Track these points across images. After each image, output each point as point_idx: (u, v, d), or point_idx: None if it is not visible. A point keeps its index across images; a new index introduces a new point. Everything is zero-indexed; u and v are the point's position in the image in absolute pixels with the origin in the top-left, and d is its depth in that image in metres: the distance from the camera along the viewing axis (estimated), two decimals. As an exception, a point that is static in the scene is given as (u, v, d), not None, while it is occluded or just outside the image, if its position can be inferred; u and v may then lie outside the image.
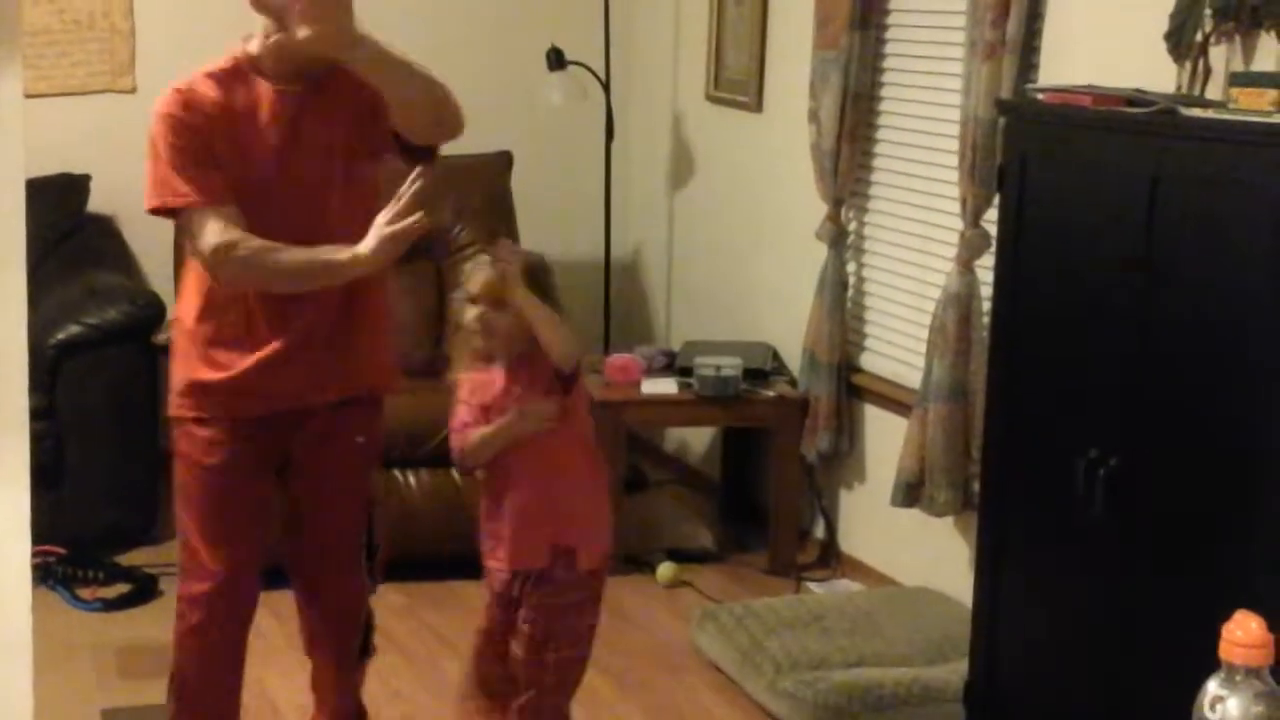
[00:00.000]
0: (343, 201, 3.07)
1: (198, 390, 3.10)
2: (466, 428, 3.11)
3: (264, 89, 3.01)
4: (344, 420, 3.17)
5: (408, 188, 3.02)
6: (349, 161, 3.07)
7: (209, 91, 3.02)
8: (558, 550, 3.09)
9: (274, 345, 3.06)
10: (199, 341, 3.09)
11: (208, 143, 3.00)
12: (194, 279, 3.11)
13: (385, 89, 2.96)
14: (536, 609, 3.10)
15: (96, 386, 4.73)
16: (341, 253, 3.00)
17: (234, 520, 3.13)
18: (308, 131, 3.02)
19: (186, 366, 3.12)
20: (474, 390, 3.13)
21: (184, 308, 3.14)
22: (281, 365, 3.07)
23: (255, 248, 2.97)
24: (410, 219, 2.98)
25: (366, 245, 2.99)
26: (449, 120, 3.10)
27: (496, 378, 3.12)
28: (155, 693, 3.89)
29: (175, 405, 3.15)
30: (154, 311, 4.86)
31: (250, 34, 3.01)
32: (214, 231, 2.96)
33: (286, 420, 3.12)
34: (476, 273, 3.11)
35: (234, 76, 3.03)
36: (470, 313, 3.09)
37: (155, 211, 3.04)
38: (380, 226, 2.99)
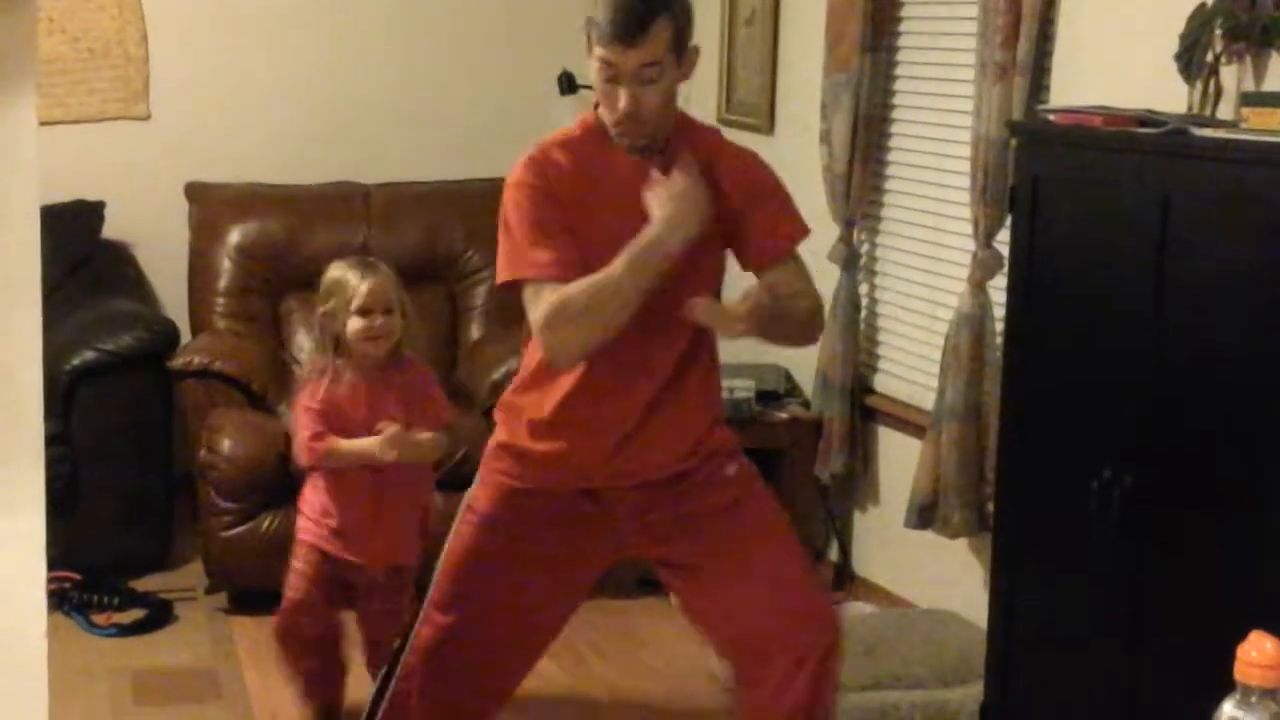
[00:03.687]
0: (683, 279, 2.91)
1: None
2: (319, 436, 3.55)
3: (619, 156, 2.94)
4: None
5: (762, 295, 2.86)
6: (698, 243, 2.93)
7: (561, 158, 2.95)
8: None
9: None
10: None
11: (561, 210, 2.92)
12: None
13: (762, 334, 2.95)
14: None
15: (111, 412, 4.74)
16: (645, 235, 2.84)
17: None
18: None
19: None
20: (320, 395, 3.57)
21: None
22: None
23: (580, 290, 2.82)
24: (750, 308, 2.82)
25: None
26: (810, 339, 3.19)
27: (351, 389, 3.57)
28: (170, 718, 3.91)
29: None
30: (169, 337, 4.88)
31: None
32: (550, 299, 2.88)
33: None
34: (366, 279, 3.54)
35: (587, 142, 2.96)
36: (356, 322, 3.51)
37: (506, 286, 2.94)
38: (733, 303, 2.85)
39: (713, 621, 3.07)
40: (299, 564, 3.67)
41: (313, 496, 3.67)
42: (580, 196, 2.93)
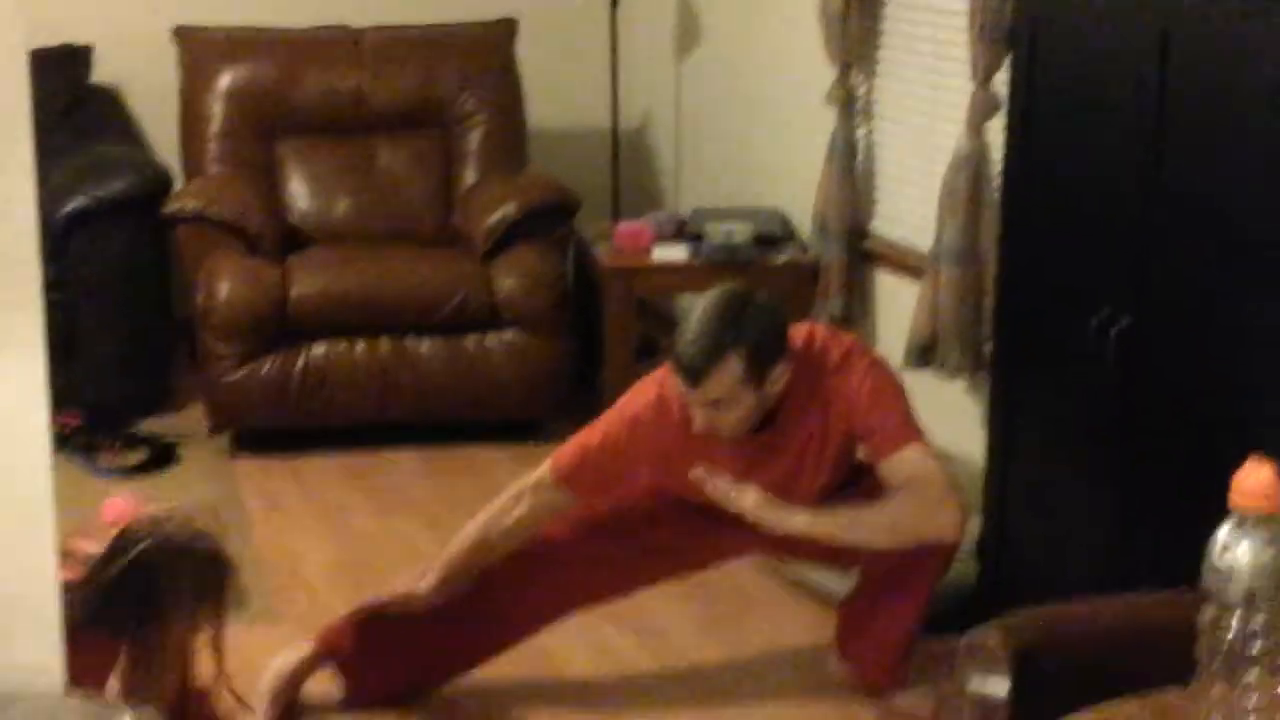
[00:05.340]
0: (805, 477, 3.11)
1: None
2: None
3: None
4: None
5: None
6: (815, 471, 3.08)
7: (677, 413, 2.96)
8: None
9: None
10: None
11: (649, 460, 3.02)
12: None
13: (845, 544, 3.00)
14: None
15: (107, 258, 4.73)
16: None
17: None
18: (767, 468, 3.00)
19: None
20: None
21: None
22: None
23: (468, 544, 3.14)
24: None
25: None
26: (933, 535, 3.03)
27: None
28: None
29: None
30: (161, 183, 4.85)
31: None
32: (522, 493, 3.07)
33: None
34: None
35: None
36: None
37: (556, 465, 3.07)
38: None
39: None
40: None
41: None
42: (685, 450, 2.97)
